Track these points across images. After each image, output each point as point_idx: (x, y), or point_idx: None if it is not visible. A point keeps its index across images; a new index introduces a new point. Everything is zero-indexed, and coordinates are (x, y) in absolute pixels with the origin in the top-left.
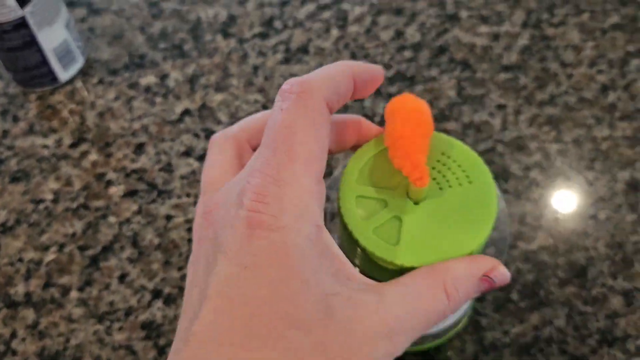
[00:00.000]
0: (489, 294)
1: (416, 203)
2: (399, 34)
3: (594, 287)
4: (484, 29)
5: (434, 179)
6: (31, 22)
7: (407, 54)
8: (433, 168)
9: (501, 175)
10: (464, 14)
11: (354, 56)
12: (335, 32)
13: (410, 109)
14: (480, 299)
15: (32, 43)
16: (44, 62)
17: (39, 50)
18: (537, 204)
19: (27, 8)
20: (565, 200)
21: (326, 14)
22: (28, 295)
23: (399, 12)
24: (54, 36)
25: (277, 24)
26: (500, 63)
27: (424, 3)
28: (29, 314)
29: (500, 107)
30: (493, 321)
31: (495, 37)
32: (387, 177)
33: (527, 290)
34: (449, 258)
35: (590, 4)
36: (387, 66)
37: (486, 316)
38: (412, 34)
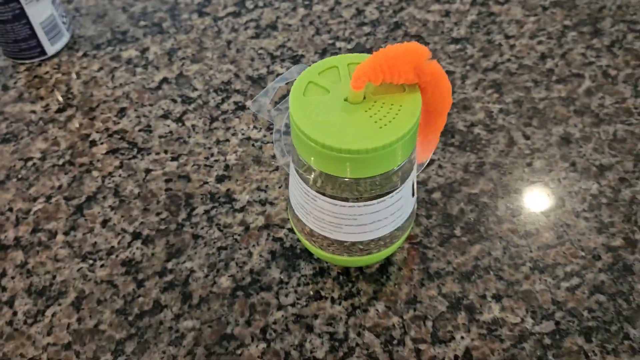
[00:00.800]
0: (435, 229)
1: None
2: (360, 12)
3: (527, 223)
4: (436, 6)
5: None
6: None
7: (367, 29)
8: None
9: (449, 132)
10: None
11: (318, 32)
12: (301, 11)
13: (411, 50)
14: (427, 234)
15: (21, 16)
16: (33, 35)
17: (28, 24)
18: (478, 155)
19: None
20: (504, 151)
21: None
22: (17, 239)
23: None
24: (41, 10)
25: (249, 3)
26: (450, 36)
27: None
28: (18, 255)
29: (449, 72)
30: (438, 254)
31: (447, 13)
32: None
33: (469, 227)
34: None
35: None
36: (348, 40)
37: (432, 249)
38: (371, 11)
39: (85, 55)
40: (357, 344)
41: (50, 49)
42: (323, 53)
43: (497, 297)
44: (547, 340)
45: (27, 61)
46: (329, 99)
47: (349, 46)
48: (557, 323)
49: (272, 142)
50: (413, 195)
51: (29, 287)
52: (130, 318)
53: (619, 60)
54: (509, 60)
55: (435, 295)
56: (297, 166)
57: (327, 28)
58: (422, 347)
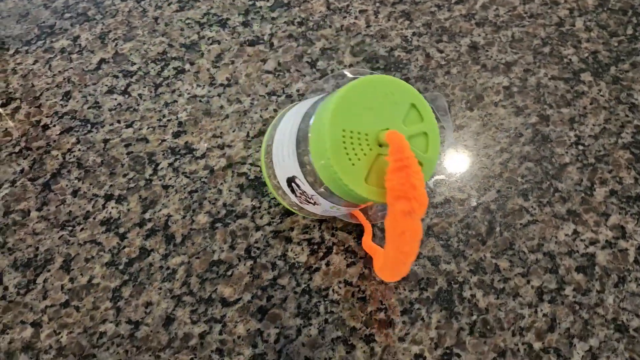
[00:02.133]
0: None
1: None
2: None
3: (456, 119)
4: None
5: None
6: None
7: None
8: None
9: (373, 59)
10: None
11: None
12: None
13: None
14: None
15: None
16: None
17: None
18: (402, 72)
19: None
20: (424, 66)
21: None
22: None
23: None
24: None
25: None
26: None
27: None
28: None
29: (362, 11)
30: None
31: None
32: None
33: None
34: None
35: None
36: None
37: None
38: None
39: (17, 52)
40: (334, 243)
41: None
42: (246, 13)
43: (444, 182)
44: (492, 207)
45: None
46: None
47: (269, 4)
48: (498, 191)
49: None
50: None
51: (14, 263)
52: (120, 267)
53: None
54: None
55: None
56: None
57: None
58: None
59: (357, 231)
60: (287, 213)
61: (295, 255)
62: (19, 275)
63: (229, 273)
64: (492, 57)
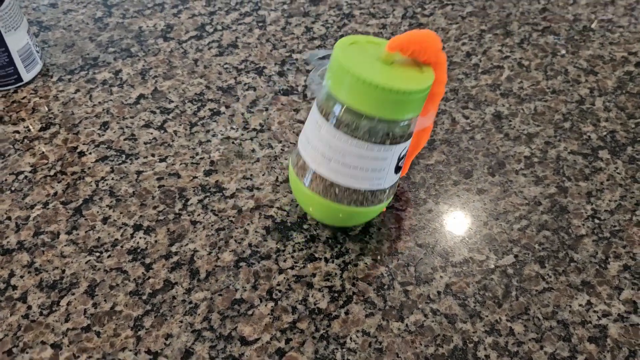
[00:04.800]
0: (403, 195)
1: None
2: (308, 29)
3: (478, 183)
4: (373, 21)
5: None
6: (0, 25)
7: (317, 42)
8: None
9: None
10: (357, 12)
11: (275, 47)
12: (257, 31)
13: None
14: (397, 200)
15: (0, 44)
16: (10, 62)
17: (7, 52)
18: (430, 134)
19: None
20: (449, 129)
21: (248, 19)
22: (20, 243)
23: (306, 14)
24: (18, 39)
25: (209, 28)
26: None
27: (325, 6)
28: (24, 257)
29: None
30: (409, 214)
31: (383, 26)
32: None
33: (430, 191)
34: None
35: None
36: (301, 51)
37: (404, 211)
38: (319, 28)
39: (60, 80)
40: (354, 293)
41: (26, 76)
42: (282, 64)
43: (464, 242)
44: (510, 271)
45: (3, 88)
46: (365, 57)
47: (304, 57)
48: (516, 256)
49: (307, 85)
50: (397, 171)
51: (40, 283)
52: (144, 297)
53: (529, 53)
54: None
55: (413, 246)
56: (324, 106)
57: (283, 43)
58: (409, 288)
59: (378, 282)
60: (310, 259)
61: (316, 301)
62: (43, 296)
63: (250, 312)
64: (515, 127)
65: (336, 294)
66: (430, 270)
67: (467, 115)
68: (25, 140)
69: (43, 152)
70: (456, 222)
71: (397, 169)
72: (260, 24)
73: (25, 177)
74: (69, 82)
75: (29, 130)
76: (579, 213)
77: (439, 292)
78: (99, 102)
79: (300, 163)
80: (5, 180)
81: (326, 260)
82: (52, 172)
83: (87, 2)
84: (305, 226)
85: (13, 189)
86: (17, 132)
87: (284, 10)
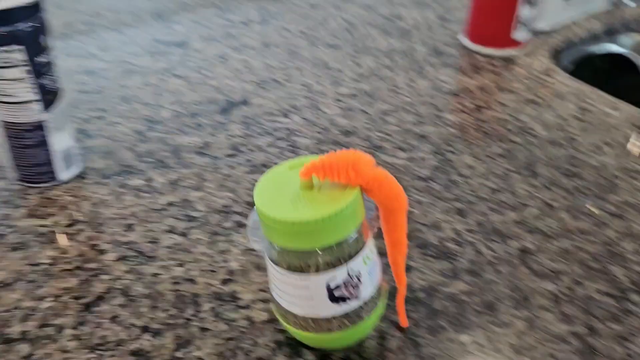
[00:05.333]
0: (423, 321)
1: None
2: None
3: (503, 315)
4: (401, 154)
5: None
6: (48, 125)
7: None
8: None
9: (424, 245)
10: (386, 144)
11: None
12: (288, 154)
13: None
14: (416, 325)
15: (44, 143)
16: (50, 161)
17: (47, 151)
18: (452, 263)
19: (47, 114)
20: (473, 261)
21: (281, 143)
22: (24, 333)
23: (337, 143)
24: (62, 140)
25: (243, 148)
26: (417, 175)
27: (356, 138)
28: (24, 348)
29: (419, 202)
30: (429, 341)
31: (411, 159)
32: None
33: (452, 319)
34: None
35: (477, 140)
36: None
37: (423, 337)
38: None
39: (95, 183)
40: None
41: (64, 175)
42: None
43: None
44: None
45: (38, 185)
46: (285, 189)
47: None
48: None
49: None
50: (332, 300)
51: None
52: None
53: (556, 195)
54: (467, 193)
55: None
56: (267, 251)
57: None
58: None
59: None
60: None
61: None
62: None
63: None
64: (541, 263)
65: None
66: None
67: (492, 248)
68: (51, 234)
69: (65, 247)
70: (478, 354)
71: (332, 297)
72: (291, 148)
73: (44, 269)
74: (102, 185)
75: (56, 224)
76: (610, 356)
77: None
78: (128, 205)
79: (284, 314)
80: (22, 270)
81: None
82: (69, 267)
83: (134, 117)
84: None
85: (29, 279)
86: (44, 225)
87: (317, 139)
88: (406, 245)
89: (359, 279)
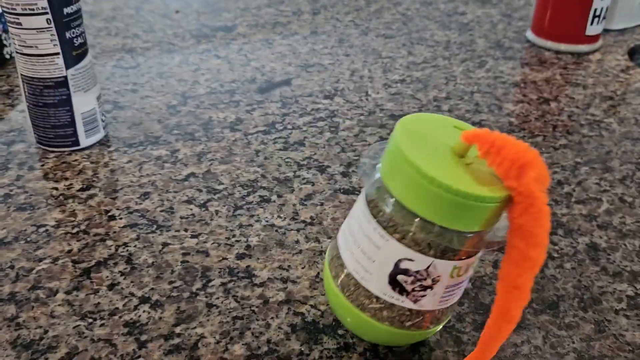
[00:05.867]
0: (468, 316)
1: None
2: (383, 139)
3: (566, 317)
4: None
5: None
6: (71, 83)
7: None
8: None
9: None
10: None
11: (343, 150)
12: (327, 134)
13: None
14: (460, 320)
15: (66, 102)
16: (72, 123)
17: (70, 111)
18: None
19: (71, 70)
20: None
21: (321, 123)
22: (12, 294)
23: (383, 126)
24: (85, 102)
25: (278, 126)
26: None
27: None
28: (10, 309)
29: None
30: (473, 338)
31: None
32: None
33: None
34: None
35: (541, 130)
36: None
37: (466, 333)
38: None
39: (116, 150)
40: None
41: (84, 141)
42: (348, 166)
43: None
44: None
45: (58, 149)
46: (432, 142)
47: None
48: None
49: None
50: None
51: (15, 340)
52: None
53: (633, 190)
54: None
55: None
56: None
57: (352, 148)
58: None
59: None
60: None
61: None
62: (12, 355)
63: None
64: (614, 262)
65: None
66: None
67: (555, 242)
68: (61, 197)
69: (74, 211)
70: (533, 357)
71: (392, 277)
72: (332, 129)
73: (46, 230)
74: (124, 153)
75: (69, 189)
76: None
77: None
78: (147, 174)
79: (336, 258)
80: (25, 230)
81: None
82: (74, 230)
83: (168, 92)
84: (340, 331)
85: (29, 239)
86: (56, 188)
87: (359, 120)
88: (515, 323)
89: (433, 282)
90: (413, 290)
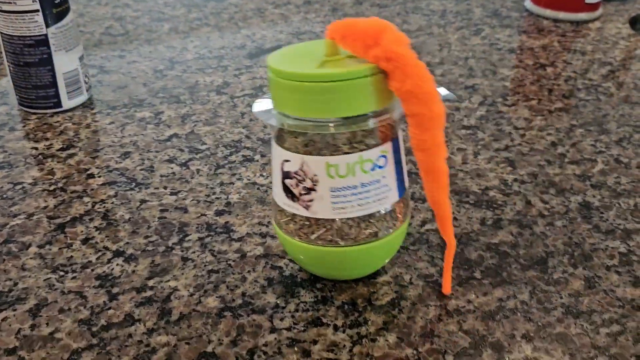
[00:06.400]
0: (452, 271)
1: None
2: None
3: (554, 272)
4: (447, 104)
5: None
6: (52, 41)
7: None
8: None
9: (463, 192)
10: None
11: None
12: None
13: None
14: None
15: (47, 62)
16: (53, 84)
17: (52, 71)
18: (495, 212)
19: (51, 28)
20: (522, 211)
21: None
22: None
23: None
24: (67, 62)
25: (266, 89)
26: (461, 124)
27: None
28: None
29: (460, 150)
30: (457, 292)
31: (457, 109)
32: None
33: (489, 272)
34: None
35: (536, 94)
36: None
37: (451, 288)
38: None
39: (99, 112)
40: None
41: (67, 103)
42: None
43: (528, 337)
44: None
45: (40, 111)
46: (306, 57)
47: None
48: None
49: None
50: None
51: None
52: (94, 329)
53: (630, 152)
54: (519, 144)
55: (456, 331)
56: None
57: None
58: None
59: None
60: (315, 323)
61: None
62: None
63: None
64: (607, 220)
65: None
66: None
67: (546, 200)
68: (40, 156)
69: (52, 169)
70: (519, 312)
71: (284, 184)
72: None
73: (23, 187)
74: (107, 115)
75: (48, 148)
76: None
77: None
78: (129, 135)
79: (303, 225)
80: (1, 187)
81: (335, 328)
82: (51, 188)
83: (155, 58)
84: (318, 285)
85: (4, 196)
86: (36, 148)
87: None
88: (447, 175)
89: (313, 183)
90: (300, 194)
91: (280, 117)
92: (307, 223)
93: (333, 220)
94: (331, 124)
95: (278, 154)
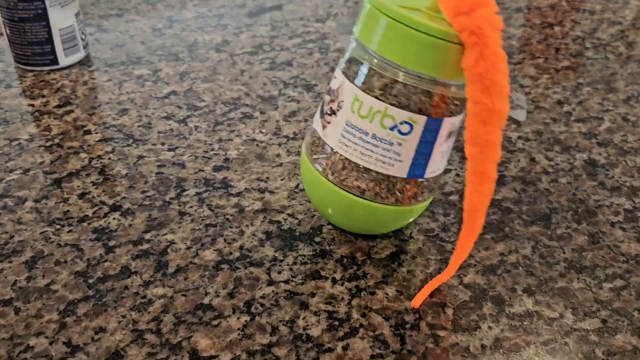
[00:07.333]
0: (453, 226)
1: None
2: None
3: (558, 228)
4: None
5: None
6: None
7: None
8: None
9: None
10: None
11: (332, 70)
12: (317, 55)
13: None
14: (445, 230)
15: (42, 17)
16: (49, 40)
17: (47, 27)
18: (499, 169)
19: None
20: (526, 168)
21: (310, 45)
22: None
23: None
24: (63, 18)
25: (266, 47)
26: None
27: None
28: None
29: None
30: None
31: None
32: None
33: (492, 227)
34: None
35: (543, 53)
36: None
37: (451, 242)
38: None
39: (97, 70)
40: (362, 325)
41: (63, 60)
42: None
43: (529, 291)
44: (593, 337)
45: (37, 68)
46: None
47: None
48: (604, 321)
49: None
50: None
51: None
52: (90, 281)
53: (637, 110)
54: (525, 102)
55: (456, 285)
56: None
57: None
58: (442, 333)
59: (398, 319)
60: (313, 276)
61: (307, 325)
62: None
63: (215, 323)
64: (613, 177)
65: (337, 323)
66: (475, 317)
67: (551, 158)
68: (37, 113)
69: (48, 126)
70: (521, 266)
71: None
72: (322, 50)
73: (19, 144)
74: (104, 72)
75: (45, 105)
76: None
77: (483, 347)
78: (127, 92)
79: (315, 142)
80: None
81: (334, 281)
82: (48, 144)
83: (154, 16)
84: (317, 239)
85: (0, 152)
86: (32, 105)
87: None
88: (493, 183)
89: (338, 106)
90: (326, 112)
91: (360, 48)
92: (318, 142)
93: (335, 152)
94: (401, 72)
95: (337, 70)
